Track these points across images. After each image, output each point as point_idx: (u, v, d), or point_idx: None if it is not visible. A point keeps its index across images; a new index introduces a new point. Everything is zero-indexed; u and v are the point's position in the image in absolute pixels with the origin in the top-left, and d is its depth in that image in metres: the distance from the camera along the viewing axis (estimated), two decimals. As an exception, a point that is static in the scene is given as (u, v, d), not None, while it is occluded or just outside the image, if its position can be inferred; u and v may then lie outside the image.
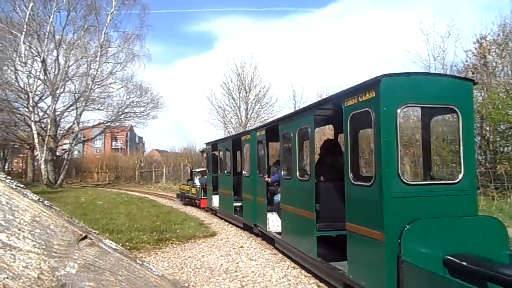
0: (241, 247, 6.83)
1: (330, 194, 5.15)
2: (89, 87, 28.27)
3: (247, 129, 28.69)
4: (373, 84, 3.80)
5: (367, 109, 3.93)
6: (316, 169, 5.39)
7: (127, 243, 6.79)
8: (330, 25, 76.42)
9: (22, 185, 1.04)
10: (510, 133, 11.55)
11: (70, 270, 0.93)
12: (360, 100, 4.11)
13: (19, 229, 0.93)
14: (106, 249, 1.01)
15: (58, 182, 27.47)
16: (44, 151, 26.97)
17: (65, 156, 30.12)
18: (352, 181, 4.16)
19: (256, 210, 8.05)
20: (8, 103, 27.68)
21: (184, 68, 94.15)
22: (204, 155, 15.34)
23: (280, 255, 6.12)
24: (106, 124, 33.56)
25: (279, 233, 6.52)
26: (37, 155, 31.13)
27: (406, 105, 3.96)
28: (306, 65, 64.30)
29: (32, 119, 26.86)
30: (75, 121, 29.57)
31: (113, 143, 64.10)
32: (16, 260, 0.90)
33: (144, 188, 26.83)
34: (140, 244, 6.93)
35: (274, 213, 7.18)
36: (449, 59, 17.56)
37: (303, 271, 5.16)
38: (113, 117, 32.54)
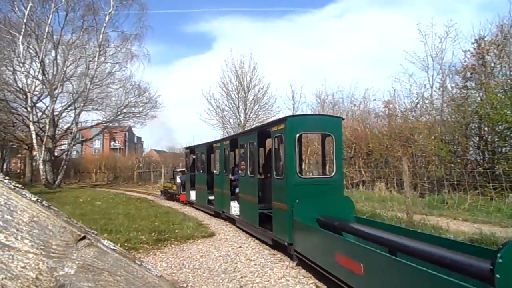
0: (240, 247, 6.83)
1: (266, 186, 8.30)
2: (88, 87, 28.22)
3: (245, 129, 28.89)
4: (283, 120, 6.73)
5: (281, 134, 6.74)
6: (262, 169, 9.16)
7: (126, 244, 6.79)
8: (328, 25, 76.47)
9: (20, 186, 1.04)
10: (508, 133, 11.56)
11: (68, 271, 0.93)
12: (278, 128, 6.89)
13: (17, 230, 0.93)
14: (104, 249, 1.01)
15: (57, 182, 27.42)
16: (43, 152, 26.91)
17: (64, 156, 30.07)
18: (275, 177, 6.90)
19: (223, 200, 10.71)
20: (6, 103, 27.61)
21: (182, 68, 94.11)
22: (185, 157, 18.12)
23: (279, 255, 6.12)
24: (105, 124, 33.53)
25: (238, 215, 9.42)
26: (35, 155, 31.07)
27: (302, 132, 7.10)
28: (305, 65, 64.34)
29: (31, 119, 26.80)
30: (74, 121, 29.53)
31: (112, 143, 64.05)
32: (14, 260, 0.90)
33: (142, 189, 26.79)
34: (139, 244, 6.92)
35: (235, 201, 9.89)
36: (447, 59, 17.64)
37: (302, 271, 5.16)
38: (112, 117, 32.51)
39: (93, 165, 42.73)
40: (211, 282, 4.82)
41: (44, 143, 27.15)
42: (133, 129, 43.62)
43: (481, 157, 12.54)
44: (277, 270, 5.26)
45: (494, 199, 9.72)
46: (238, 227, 9.18)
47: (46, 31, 26.49)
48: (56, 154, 30.47)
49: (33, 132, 26.91)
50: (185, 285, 4.64)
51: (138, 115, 33.30)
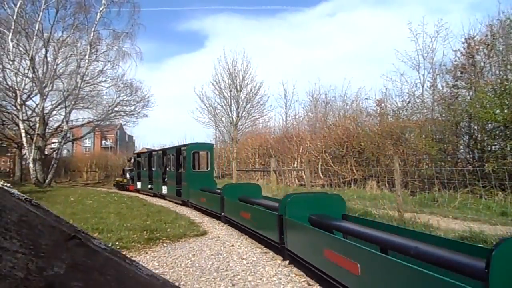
0: (232, 246, 6.83)
1: (179, 176, 15.03)
2: (78, 86, 27.96)
3: (237, 128, 28.94)
4: (187, 145, 15.00)
5: (185, 151, 14.63)
6: (178, 167, 15.59)
7: (117, 242, 6.75)
8: (321, 24, 76.56)
9: (9, 185, 1.03)
10: (497, 132, 11.70)
11: (58, 270, 0.92)
12: (185, 148, 14.93)
13: (6, 229, 0.92)
14: (95, 248, 1.00)
15: (47, 181, 27.14)
16: (33, 150, 26.63)
17: (54, 155, 29.75)
18: (183, 170, 14.71)
19: (158, 185, 17.87)
20: (-5, 101, 27.29)
21: (174, 66, 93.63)
22: (132, 160, 25.14)
23: (271, 253, 6.13)
24: (96, 123, 33.25)
25: (166, 193, 16.64)
26: (25, 154, 30.66)
27: (194, 151, 14.62)
28: (297, 64, 64.35)
29: (20, 117, 26.48)
30: (64, 120, 29.21)
31: (103, 142, 63.61)
32: (2, 260, 0.89)
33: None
34: (130, 243, 6.89)
35: (165, 185, 16.89)
36: (438, 59, 17.82)
37: (294, 269, 5.17)
38: (103, 116, 32.25)
39: (84, 164, 42.37)
40: (203, 280, 4.82)
41: (34, 141, 26.86)
42: (124, 127, 43.29)
43: (471, 156, 12.68)
44: (269, 269, 5.27)
45: (483, 197, 9.84)
46: (167, 200, 16.38)
47: (37, 28, 26.18)
48: (46, 152, 30.16)
49: (23, 131, 26.60)
50: (177, 284, 4.63)
51: (130, 113, 33.12)
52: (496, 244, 2.33)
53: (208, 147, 15.44)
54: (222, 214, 9.22)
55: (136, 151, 29.67)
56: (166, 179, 16.99)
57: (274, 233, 5.84)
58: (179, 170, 15.37)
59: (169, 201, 15.54)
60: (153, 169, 18.97)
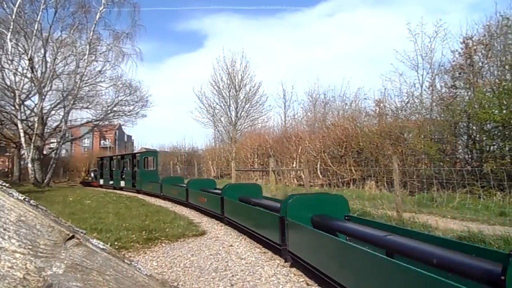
0: (231, 246, 6.83)
1: (134, 173, 21.83)
2: (77, 86, 27.92)
3: (237, 127, 28.93)
4: (139, 153, 23.27)
5: (139, 157, 21.87)
6: (133, 167, 22.53)
7: (116, 243, 6.74)
8: (320, 24, 76.58)
9: (7, 185, 1.03)
10: (496, 132, 11.72)
11: (56, 270, 0.92)
12: (138, 154, 22.60)
13: (4, 229, 0.92)
14: (93, 248, 1.00)
15: (46, 181, 27.08)
16: (31, 150, 26.57)
17: (53, 155, 29.69)
18: (137, 169, 21.46)
19: (117, 181, 24.16)
20: (-6, 101, 27.23)
21: (173, 66, 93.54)
22: (96, 162, 30.56)
23: (270, 253, 6.13)
24: (95, 123, 33.22)
25: (123, 186, 23.01)
26: (23, 154, 30.61)
27: (145, 157, 22.04)
28: (296, 64, 64.35)
29: (19, 117, 26.40)
30: (63, 120, 29.15)
31: (102, 141, 63.48)
32: (1, 260, 0.89)
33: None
34: (129, 243, 6.88)
35: (123, 180, 23.20)
36: (437, 59, 17.85)
37: (292, 269, 5.18)
38: (102, 116, 32.23)
39: (82, 164, 42.26)
40: (202, 280, 4.82)
41: (32, 141, 26.79)
42: (123, 127, 43.24)
43: (470, 156, 12.70)
44: (268, 269, 5.27)
45: (482, 197, 9.85)
46: (123, 189, 22.26)
47: (36, 28, 26.11)
48: (45, 152, 30.08)
49: (21, 131, 26.53)
50: (175, 284, 4.63)
51: (128, 113, 33.08)
52: None
53: (154, 154, 23.26)
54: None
55: (136, 151, 32.72)
56: (123, 176, 23.34)
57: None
58: (134, 169, 21.93)
59: (169, 201, 15.50)
60: (113, 169, 25.30)
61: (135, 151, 25.61)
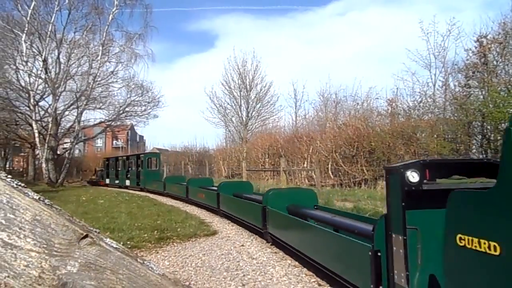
0: (242, 245, 6.83)
1: (139, 173, 23.67)
2: (90, 86, 28.25)
3: (248, 127, 28.98)
4: (143, 154, 26.14)
5: (142, 158, 24.09)
6: (137, 167, 24.63)
7: (128, 242, 6.80)
8: (331, 23, 76.23)
9: (23, 184, 1.05)
10: (511, 131, 11.52)
11: (71, 269, 0.93)
12: (142, 155, 24.94)
13: (20, 228, 0.93)
14: (107, 248, 1.01)
15: (59, 181, 27.46)
16: (45, 150, 26.97)
17: (66, 155, 30.10)
18: (141, 169, 23.44)
19: (123, 180, 26.03)
20: (9, 102, 27.60)
21: (185, 67, 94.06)
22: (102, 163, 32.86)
23: (281, 253, 6.13)
24: (107, 123, 33.56)
25: (128, 185, 24.66)
26: (38, 154, 31.11)
27: (148, 157, 24.27)
28: (307, 63, 64.15)
29: (33, 118, 26.83)
30: (76, 120, 29.53)
31: (114, 142, 64.19)
32: (17, 259, 0.91)
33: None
34: (141, 243, 6.93)
35: (128, 179, 25.06)
36: (450, 58, 17.58)
37: (304, 270, 5.16)
38: (114, 116, 32.55)
39: (95, 164, 42.77)
40: (214, 280, 4.83)
41: (46, 141, 27.19)
42: (135, 127, 43.60)
43: (484, 156, 12.51)
44: (279, 269, 5.26)
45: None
46: (128, 188, 23.82)
47: (49, 30, 26.49)
48: (58, 152, 30.50)
49: (36, 131, 26.96)
50: (187, 283, 4.65)
51: (140, 114, 33.33)
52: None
53: (157, 155, 25.86)
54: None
55: (147, 151, 34.63)
56: (129, 175, 25.22)
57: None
58: (138, 169, 23.86)
59: (179, 201, 15.57)
60: (119, 169, 27.38)
61: (139, 153, 27.32)
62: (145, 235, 7.48)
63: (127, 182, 24.94)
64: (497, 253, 1.82)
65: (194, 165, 32.79)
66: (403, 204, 2.79)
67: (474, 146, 13.03)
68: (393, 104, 17.91)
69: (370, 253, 3.23)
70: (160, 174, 23.06)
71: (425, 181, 2.80)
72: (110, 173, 28.82)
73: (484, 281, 1.95)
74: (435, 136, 13.45)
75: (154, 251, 6.51)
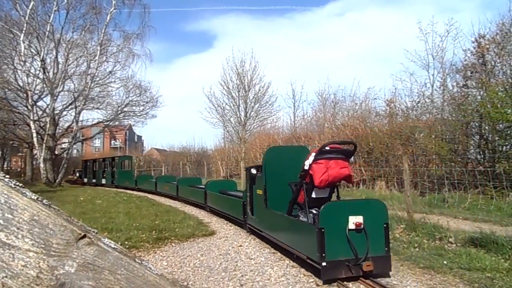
0: (240, 246, 6.84)
1: (114, 173, 26.43)
2: (88, 86, 28.22)
3: (246, 128, 28.99)
4: (118, 157, 28.40)
5: (117, 160, 27.02)
6: (112, 167, 27.46)
7: (126, 242, 6.80)
8: (329, 23, 76.36)
9: (21, 184, 1.04)
10: (509, 132, 11.55)
11: (69, 269, 0.93)
12: (117, 158, 27.82)
13: (18, 228, 0.93)
14: (105, 248, 1.01)
15: (57, 181, 27.44)
16: (43, 150, 26.93)
17: (64, 155, 30.09)
18: (117, 169, 26.12)
19: (99, 178, 28.32)
20: (7, 101, 27.57)
21: (183, 67, 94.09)
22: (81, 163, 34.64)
23: (279, 254, 6.13)
24: (105, 123, 33.53)
25: (105, 183, 27.13)
26: (36, 154, 31.08)
27: (122, 160, 27.09)
28: (306, 64, 64.27)
29: (31, 118, 26.79)
30: (74, 120, 29.51)
31: (112, 142, 64.10)
32: (15, 259, 0.91)
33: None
34: (139, 243, 6.93)
35: (104, 178, 27.61)
36: (448, 58, 17.64)
37: (302, 270, 5.17)
38: (112, 116, 32.52)
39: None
40: (212, 280, 4.83)
41: (44, 141, 27.15)
42: (133, 128, 43.55)
43: (482, 156, 12.53)
44: (277, 269, 5.26)
45: (494, 198, 9.71)
46: (104, 185, 26.62)
47: (48, 30, 26.44)
48: (56, 152, 30.47)
49: (34, 131, 26.92)
50: (185, 283, 4.65)
51: (138, 114, 33.31)
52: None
53: (130, 158, 28.45)
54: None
55: (145, 151, 34.03)
56: (104, 175, 27.72)
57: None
58: (113, 169, 26.45)
59: (180, 201, 15.57)
60: (95, 169, 29.74)
61: (113, 156, 30.84)
62: (143, 235, 7.48)
63: (103, 181, 27.53)
64: (261, 194, 6.64)
65: (193, 165, 32.76)
66: (250, 182, 7.37)
67: (472, 147, 13.04)
68: (391, 104, 17.94)
69: (242, 203, 8.00)
70: (132, 174, 25.93)
71: (258, 173, 7.03)
72: (88, 172, 31.06)
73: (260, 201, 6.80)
74: (433, 136, 13.47)
75: (152, 251, 6.51)
